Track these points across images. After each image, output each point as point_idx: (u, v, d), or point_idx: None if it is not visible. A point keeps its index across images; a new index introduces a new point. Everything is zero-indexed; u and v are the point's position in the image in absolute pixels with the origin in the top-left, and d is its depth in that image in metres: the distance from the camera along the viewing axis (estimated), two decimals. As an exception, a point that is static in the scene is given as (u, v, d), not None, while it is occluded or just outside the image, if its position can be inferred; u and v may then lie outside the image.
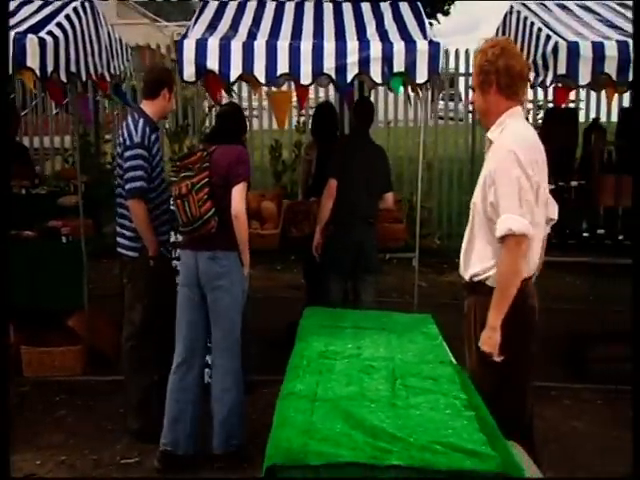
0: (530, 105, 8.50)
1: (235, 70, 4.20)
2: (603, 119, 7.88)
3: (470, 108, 8.54)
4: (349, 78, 4.23)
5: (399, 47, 4.21)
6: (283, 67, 4.20)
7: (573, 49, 4.17)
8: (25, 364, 4.83)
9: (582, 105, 8.50)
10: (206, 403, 3.79)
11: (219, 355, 3.75)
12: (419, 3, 4.85)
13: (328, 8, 4.92)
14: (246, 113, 7.57)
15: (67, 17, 4.48)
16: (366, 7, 4.89)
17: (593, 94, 8.12)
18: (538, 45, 4.44)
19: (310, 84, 4.40)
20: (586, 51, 4.17)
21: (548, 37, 4.33)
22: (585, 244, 5.14)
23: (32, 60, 4.01)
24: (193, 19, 4.61)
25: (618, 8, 4.93)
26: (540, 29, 4.49)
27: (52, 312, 4.94)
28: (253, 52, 4.18)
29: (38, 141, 9.04)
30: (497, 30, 5.41)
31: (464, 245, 3.01)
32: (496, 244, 2.78)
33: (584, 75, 4.19)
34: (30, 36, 4.05)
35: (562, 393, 4.74)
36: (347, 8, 4.90)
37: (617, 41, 4.22)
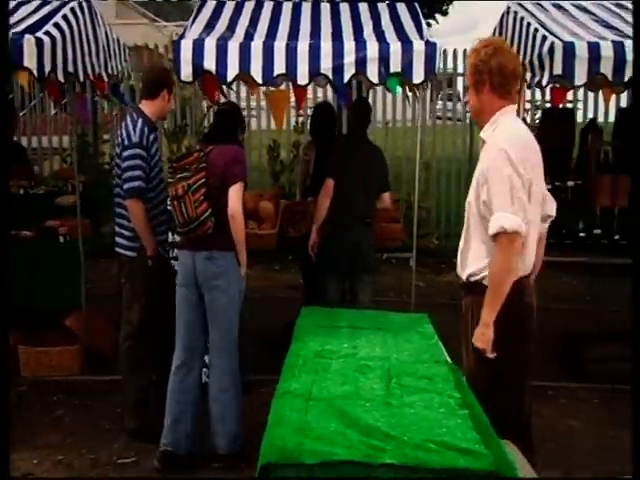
0: (528, 105, 8.51)
1: (232, 70, 4.21)
2: (601, 119, 7.92)
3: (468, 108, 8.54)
4: (346, 78, 4.24)
5: (396, 47, 4.22)
6: (280, 67, 4.21)
7: (569, 49, 4.18)
8: (23, 364, 4.84)
9: (580, 105, 8.52)
10: (204, 403, 3.80)
11: (217, 355, 3.76)
12: (416, 4, 4.87)
13: (325, 8, 4.93)
14: (245, 113, 7.57)
15: (64, 17, 4.49)
16: (363, 7, 4.91)
17: (591, 94, 8.14)
18: (534, 45, 4.45)
19: (307, 84, 4.41)
20: (582, 51, 4.18)
21: (544, 37, 4.34)
22: (581, 244, 5.16)
23: (29, 60, 4.02)
24: (191, 19, 4.62)
25: (614, 8, 4.94)
26: (536, 29, 4.50)
27: (50, 312, 4.94)
28: (250, 52, 4.19)
29: (37, 141, 9.06)
30: (494, 30, 5.42)
31: (461, 245, 3.03)
32: (490, 243, 2.79)
33: (580, 75, 4.20)
34: (27, 36, 4.06)
35: (559, 392, 4.75)
36: (344, 8, 4.92)
37: (613, 41, 4.23)
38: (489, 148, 2.85)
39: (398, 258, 5.23)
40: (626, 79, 4.19)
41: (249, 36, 4.37)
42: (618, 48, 4.16)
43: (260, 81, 4.29)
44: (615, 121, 6.16)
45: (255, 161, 8.88)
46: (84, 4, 4.83)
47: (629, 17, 4.71)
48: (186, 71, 4.20)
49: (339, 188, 4.58)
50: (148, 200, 4.00)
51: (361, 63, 4.20)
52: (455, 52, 8.69)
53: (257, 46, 4.22)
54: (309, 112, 7.73)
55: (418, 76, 4.23)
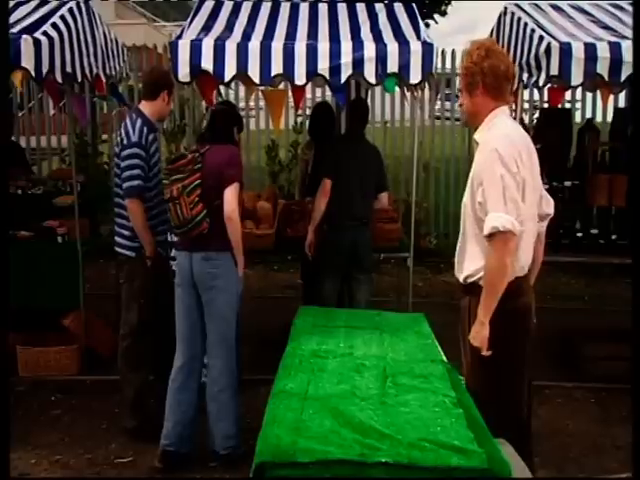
0: (526, 105, 8.52)
1: (229, 70, 4.22)
2: (599, 119, 7.94)
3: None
4: (343, 78, 4.24)
5: (393, 48, 4.23)
6: (277, 68, 4.22)
7: (565, 50, 4.19)
8: (21, 364, 4.84)
9: (578, 105, 8.53)
10: (202, 402, 3.80)
11: (214, 355, 3.76)
12: (414, 4, 4.87)
13: (323, 9, 4.94)
14: (242, 113, 7.58)
15: (62, 18, 4.49)
16: (361, 8, 4.91)
17: (590, 95, 8.14)
18: (531, 46, 4.46)
19: (305, 85, 4.42)
20: (578, 52, 4.19)
21: (541, 38, 4.35)
22: (579, 244, 5.17)
23: (27, 61, 4.02)
24: (188, 19, 4.63)
25: (611, 9, 4.95)
26: (533, 30, 4.51)
27: (48, 312, 4.94)
28: (247, 53, 4.20)
29: (35, 141, 9.07)
30: (491, 31, 5.43)
31: (458, 246, 3.04)
32: (485, 243, 2.80)
33: (576, 76, 4.21)
34: (25, 37, 4.06)
35: (555, 392, 4.75)
36: (342, 9, 4.93)
37: (609, 42, 4.24)
38: (482, 149, 2.87)
39: (396, 258, 5.23)
40: (622, 79, 4.20)
41: (247, 36, 4.37)
42: (614, 49, 4.16)
43: (258, 81, 4.30)
44: (612, 121, 6.18)
45: (254, 161, 8.89)
46: (82, 5, 4.83)
47: (626, 18, 4.72)
48: (183, 71, 4.21)
49: (336, 188, 4.59)
50: (147, 200, 4.01)
51: (358, 63, 4.21)
52: (454, 52, 8.71)
53: (255, 46, 4.23)
54: (308, 112, 7.73)
55: (415, 76, 4.25)
